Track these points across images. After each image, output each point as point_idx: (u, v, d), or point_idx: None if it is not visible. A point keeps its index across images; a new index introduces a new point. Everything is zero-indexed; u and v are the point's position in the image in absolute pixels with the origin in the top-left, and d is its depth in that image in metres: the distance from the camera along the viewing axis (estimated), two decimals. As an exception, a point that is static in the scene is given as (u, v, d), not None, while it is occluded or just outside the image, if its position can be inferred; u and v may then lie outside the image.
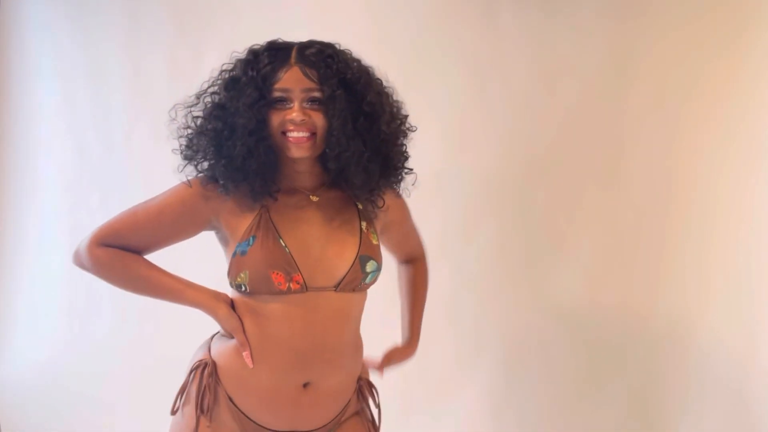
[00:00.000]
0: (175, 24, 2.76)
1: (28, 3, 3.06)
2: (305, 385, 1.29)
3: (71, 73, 2.97)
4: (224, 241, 1.34)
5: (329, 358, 1.29)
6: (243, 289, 1.28)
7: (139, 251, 1.38)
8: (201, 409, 1.29)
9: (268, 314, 1.27)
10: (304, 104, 1.25)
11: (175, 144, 1.35)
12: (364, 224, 1.35)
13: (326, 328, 1.29)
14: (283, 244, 1.27)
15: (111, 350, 2.87)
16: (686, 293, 2.08)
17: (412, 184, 1.40)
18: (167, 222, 1.35)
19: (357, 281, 1.30)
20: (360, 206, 1.36)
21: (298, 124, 1.23)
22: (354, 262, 1.30)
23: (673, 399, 2.09)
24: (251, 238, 1.27)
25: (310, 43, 1.30)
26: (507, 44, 2.28)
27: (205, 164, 1.30)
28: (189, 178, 1.32)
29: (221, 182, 1.28)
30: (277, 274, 1.25)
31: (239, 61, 1.30)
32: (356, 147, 1.26)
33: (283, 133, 1.25)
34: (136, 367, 2.80)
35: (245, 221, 1.29)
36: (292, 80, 1.24)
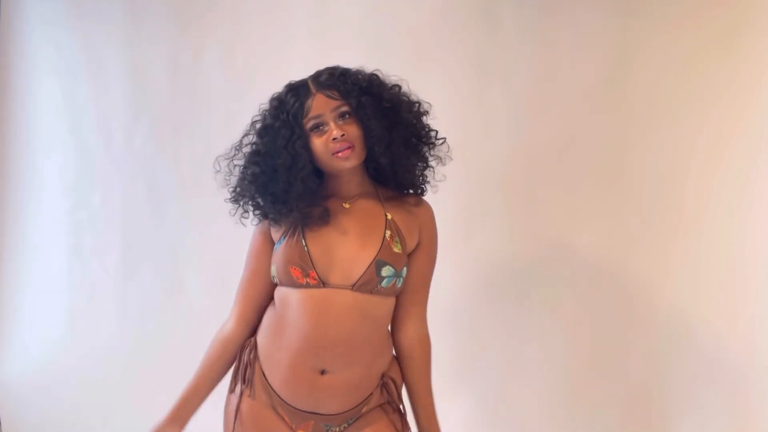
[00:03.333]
0: (175, 24, 2.76)
1: (29, 3, 3.06)
2: (323, 372, 1.43)
3: (71, 73, 2.97)
4: None
5: (342, 351, 1.42)
6: (275, 279, 1.49)
7: (268, 291, 1.55)
8: (243, 380, 1.49)
9: (290, 303, 1.45)
10: (339, 121, 1.43)
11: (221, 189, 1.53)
12: (388, 233, 1.47)
13: (339, 323, 1.42)
14: (303, 244, 1.44)
15: (111, 350, 2.87)
16: (687, 292, 2.08)
17: (447, 153, 1.54)
18: (263, 257, 1.54)
19: (373, 284, 1.43)
20: (389, 216, 1.49)
21: (341, 140, 1.41)
22: (370, 265, 1.43)
23: (673, 399, 2.09)
24: (282, 238, 1.48)
25: (319, 72, 1.48)
26: (507, 44, 2.28)
27: (250, 205, 1.50)
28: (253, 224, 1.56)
29: (270, 217, 1.49)
30: (295, 269, 1.44)
31: (267, 110, 1.48)
32: (398, 135, 1.44)
33: (333, 154, 1.42)
34: (136, 367, 2.80)
35: (283, 228, 1.50)
36: (320, 106, 1.42)
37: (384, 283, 1.43)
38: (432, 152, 1.53)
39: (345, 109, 1.42)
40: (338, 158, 1.42)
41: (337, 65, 1.49)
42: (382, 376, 1.51)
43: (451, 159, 1.55)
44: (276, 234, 1.51)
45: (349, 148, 1.41)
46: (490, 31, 2.30)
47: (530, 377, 2.27)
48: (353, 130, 1.42)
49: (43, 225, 3.10)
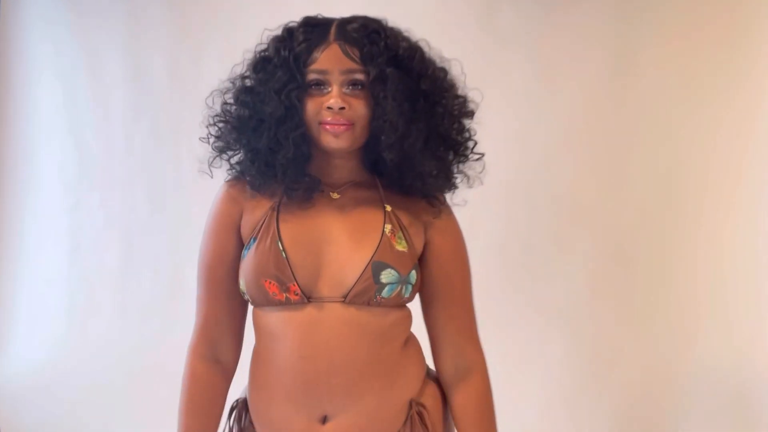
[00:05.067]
0: (175, 24, 2.76)
1: (29, 3, 3.06)
2: (324, 420, 1.09)
3: (71, 73, 2.97)
4: None
5: (341, 383, 1.08)
6: (245, 296, 1.13)
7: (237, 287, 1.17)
8: None
9: (271, 329, 1.12)
10: (345, 89, 1.08)
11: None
12: (388, 227, 1.12)
13: (331, 348, 1.08)
14: (281, 248, 1.08)
15: (111, 350, 2.87)
16: (687, 292, 2.08)
17: (480, 172, 1.21)
18: (231, 233, 1.16)
19: (370, 293, 1.08)
20: (388, 208, 1.15)
21: (336, 113, 1.07)
22: (365, 269, 1.08)
23: (673, 399, 2.09)
24: (251, 241, 1.12)
25: (353, 18, 1.13)
26: (507, 45, 2.28)
27: (235, 158, 1.15)
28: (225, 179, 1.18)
29: (248, 179, 1.14)
30: (270, 282, 1.08)
31: (272, 39, 1.14)
32: (419, 132, 1.09)
33: (320, 122, 1.09)
34: (136, 367, 2.80)
35: (254, 221, 1.14)
36: (330, 60, 1.08)
37: (385, 292, 1.09)
38: (460, 164, 1.19)
39: (359, 77, 1.08)
40: (325, 131, 1.08)
41: (381, 18, 1.16)
42: (410, 404, 1.14)
43: (482, 183, 1.23)
44: (246, 226, 1.14)
45: (345, 125, 1.08)
46: (490, 32, 2.30)
47: (529, 377, 2.27)
48: (360, 107, 1.07)
49: (42, 225, 3.10)
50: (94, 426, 2.66)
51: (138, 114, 2.83)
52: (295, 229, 1.11)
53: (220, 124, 1.16)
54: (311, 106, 1.09)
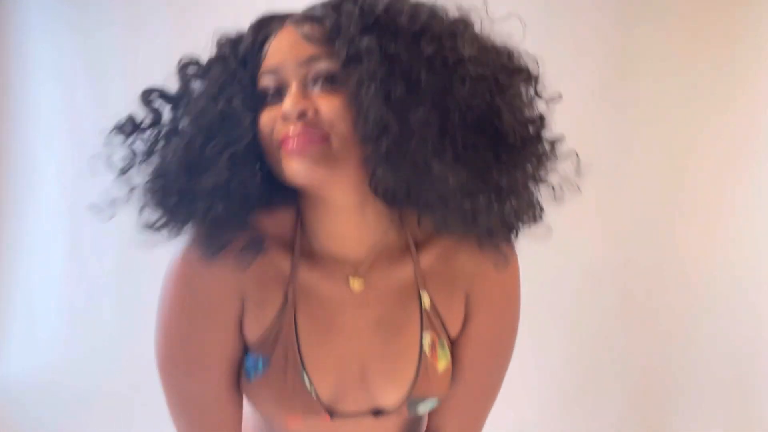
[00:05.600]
0: (175, 24, 2.76)
1: (28, 3, 3.06)
2: None
3: (71, 73, 2.97)
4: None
5: None
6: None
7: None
8: None
9: (274, 426, 0.87)
10: (311, 87, 0.72)
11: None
12: (427, 339, 0.81)
13: None
14: (307, 381, 0.78)
15: (111, 351, 2.87)
16: (687, 292, 2.07)
17: (574, 174, 0.82)
18: (219, 360, 0.80)
19: (403, 415, 0.86)
20: (426, 302, 0.80)
21: (295, 121, 0.70)
22: (400, 406, 0.84)
23: (673, 399, 2.09)
24: (260, 362, 0.79)
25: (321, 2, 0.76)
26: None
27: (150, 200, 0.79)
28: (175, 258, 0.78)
29: (163, 222, 0.78)
30: (294, 418, 0.81)
31: (218, 41, 0.87)
32: (424, 123, 0.66)
33: (279, 144, 0.72)
34: (135, 367, 2.80)
35: (262, 325, 0.79)
36: (282, 50, 0.74)
37: (421, 411, 0.86)
38: (538, 177, 0.79)
39: (327, 66, 0.70)
40: (287, 154, 0.71)
41: None
42: None
43: (580, 191, 0.85)
44: (251, 331, 0.80)
45: (312, 139, 0.69)
46: (490, 32, 2.30)
47: (529, 377, 2.27)
48: (332, 108, 0.69)
49: (41, 225, 3.10)
50: (95, 426, 2.65)
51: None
52: (319, 346, 0.79)
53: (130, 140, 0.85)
54: (265, 121, 0.73)
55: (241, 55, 0.78)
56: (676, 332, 2.08)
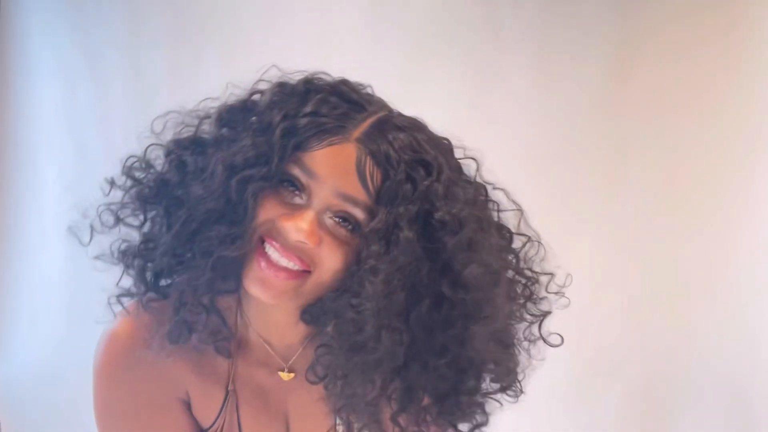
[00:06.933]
0: (175, 24, 2.76)
1: (28, 3, 3.06)
2: None
3: (71, 73, 2.97)
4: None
5: None
6: None
7: None
8: None
9: None
10: (326, 216, 0.68)
11: None
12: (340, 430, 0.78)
13: None
14: None
15: (111, 350, 2.87)
16: (686, 293, 2.08)
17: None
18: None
19: None
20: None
21: (293, 245, 0.67)
22: None
23: (672, 399, 2.09)
24: None
25: (409, 122, 0.73)
26: (507, 45, 2.28)
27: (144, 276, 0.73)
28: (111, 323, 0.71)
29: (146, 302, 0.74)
30: None
31: (272, 87, 0.77)
32: (397, 343, 0.68)
33: (262, 238, 0.70)
34: (135, 367, 2.80)
35: (207, 408, 0.78)
36: (329, 165, 0.67)
37: None
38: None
39: (358, 215, 0.68)
40: (258, 264, 0.69)
41: (417, 120, 0.75)
42: None
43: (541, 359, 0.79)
44: (198, 413, 0.78)
45: (293, 273, 0.68)
46: (490, 33, 2.30)
47: (528, 377, 2.27)
48: (334, 256, 0.68)
49: (42, 225, 3.10)
50: (94, 425, 2.65)
51: (138, 114, 2.83)
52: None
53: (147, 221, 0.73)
54: (267, 207, 0.69)
55: (287, 125, 0.67)
56: (676, 332, 2.08)
